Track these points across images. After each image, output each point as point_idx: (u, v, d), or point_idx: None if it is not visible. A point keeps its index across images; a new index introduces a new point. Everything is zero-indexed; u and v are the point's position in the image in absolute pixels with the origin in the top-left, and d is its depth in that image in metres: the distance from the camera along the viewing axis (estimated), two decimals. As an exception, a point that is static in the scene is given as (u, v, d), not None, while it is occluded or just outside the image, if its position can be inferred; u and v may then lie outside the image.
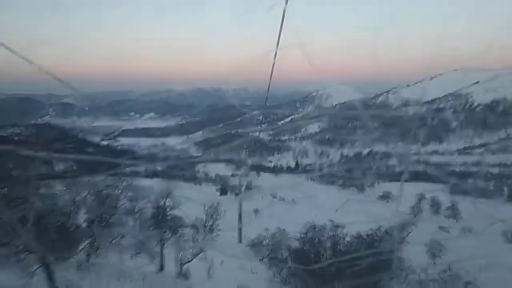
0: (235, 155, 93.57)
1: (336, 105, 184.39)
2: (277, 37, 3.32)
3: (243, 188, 58.60)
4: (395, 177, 74.45)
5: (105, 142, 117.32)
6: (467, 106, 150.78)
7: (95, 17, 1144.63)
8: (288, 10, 3.13)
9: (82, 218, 13.97)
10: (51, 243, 10.71)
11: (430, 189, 50.78)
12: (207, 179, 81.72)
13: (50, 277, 10.32)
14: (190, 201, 28.95)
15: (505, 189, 67.53)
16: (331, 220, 21.35)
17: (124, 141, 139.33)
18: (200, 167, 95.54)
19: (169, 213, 19.84)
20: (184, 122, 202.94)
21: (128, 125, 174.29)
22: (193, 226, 26.63)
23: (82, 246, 13.87)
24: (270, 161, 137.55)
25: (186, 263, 18.81)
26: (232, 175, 74.56)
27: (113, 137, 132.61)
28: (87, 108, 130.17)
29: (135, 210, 17.20)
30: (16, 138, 73.74)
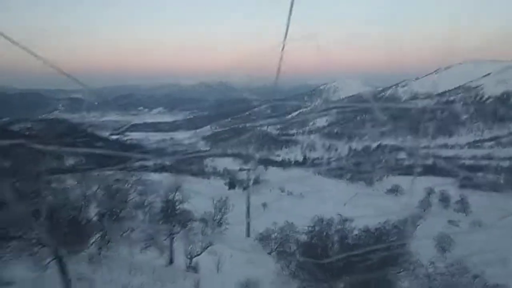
0: (243, 149, 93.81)
1: (344, 98, 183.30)
2: (285, 29, 3.29)
3: (251, 182, 58.59)
4: (404, 170, 74.11)
5: (114, 137, 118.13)
6: (477, 98, 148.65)
7: (100, 12, 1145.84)
8: (296, 1, 3.11)
9: (93, 212, 14.16)
10: (63, 236, 10.88)
11: (440, 183, 50.43)
12: (215, 173, 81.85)
13: (62, 270, 10.53)
14: (198, 195, 29.13)
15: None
16: (339, 214, 21.33)
17: (133, 136, 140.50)
18: (208, 161, 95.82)
19: (178, 207, 19.96)
20: (192, 116, 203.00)
21: (137, 120, 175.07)
22: (202, 220, 26.72)
23: (94, 240, 14.09)
24: (278, 155, 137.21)
25: (195, 256, 19.02)
26: (240, 169, 74.63)
27: (122, 131, 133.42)
28: (96, 103, 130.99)
29: (145, 204, 17.35)
30: (27, 133, 74.52)
